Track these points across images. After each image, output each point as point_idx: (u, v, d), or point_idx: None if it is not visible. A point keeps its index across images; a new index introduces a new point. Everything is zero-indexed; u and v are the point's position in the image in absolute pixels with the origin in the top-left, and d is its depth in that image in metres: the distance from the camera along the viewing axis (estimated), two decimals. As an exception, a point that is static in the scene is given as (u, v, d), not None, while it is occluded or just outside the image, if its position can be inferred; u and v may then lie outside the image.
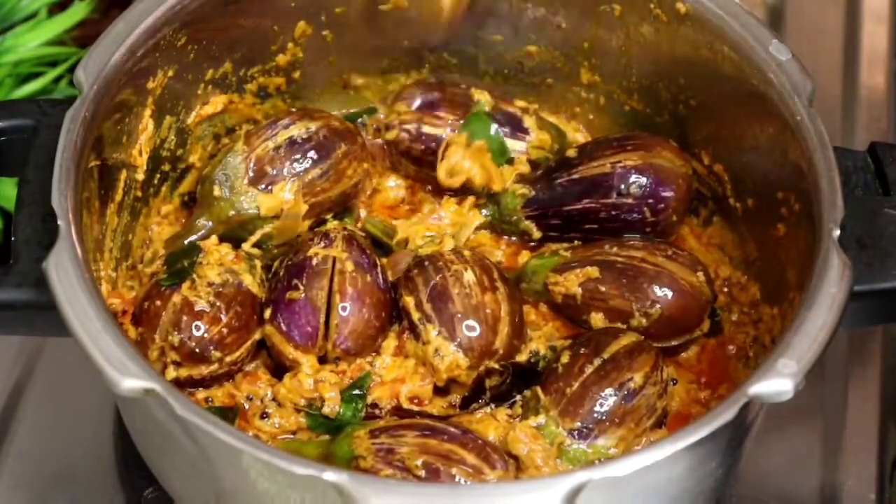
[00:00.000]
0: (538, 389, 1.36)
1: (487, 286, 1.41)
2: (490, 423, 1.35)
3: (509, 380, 1.39)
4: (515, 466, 1.32)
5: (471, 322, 1.39)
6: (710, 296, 1.44)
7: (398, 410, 1.38)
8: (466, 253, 1.45)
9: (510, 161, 1.55)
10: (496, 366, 1.39)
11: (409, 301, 1.41)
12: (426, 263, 1.43)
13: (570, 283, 1.44)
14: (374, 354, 1.42)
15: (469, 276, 1.41)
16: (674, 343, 1.43)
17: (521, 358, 1.42)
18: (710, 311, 1.45)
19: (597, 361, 1.36)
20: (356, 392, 1.38)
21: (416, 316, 1.41)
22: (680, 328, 1.43)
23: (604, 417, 1.33)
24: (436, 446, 1.28)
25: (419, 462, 1.26)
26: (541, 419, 1.34)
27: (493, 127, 1.54)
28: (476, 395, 1.39)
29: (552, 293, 1.46)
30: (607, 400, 1.34)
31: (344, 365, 1.41)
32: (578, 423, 1.33)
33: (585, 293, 1.44)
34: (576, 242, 1.51)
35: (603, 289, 1.44)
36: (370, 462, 1.28)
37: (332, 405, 1.37)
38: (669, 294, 1.42)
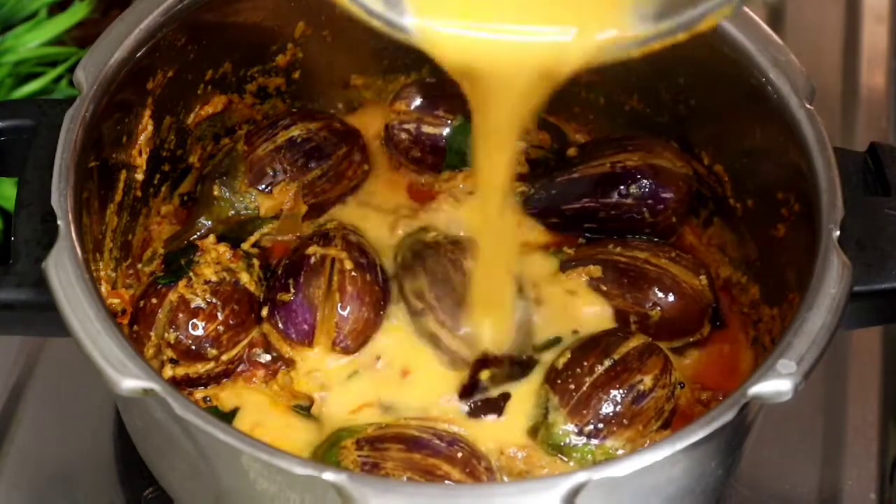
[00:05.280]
0: (547, 387, 1.36)
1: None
2: (491, 429, 1.36)
3: (504, 372, 1.39)
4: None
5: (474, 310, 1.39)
6: (711, 299, 1.44)
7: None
8: (466, 242, 1.45)
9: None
10: (490, 357, 1.39)
11: (411, 291, 1.42)
12: (426, 254, 1.43)
13: (573, 282, 1.44)
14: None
15: (469, 265, 1.41)
16: (674, 345, 1.43)
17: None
18: (711, 314, 1.45)
19: (607, 362, 1.36)
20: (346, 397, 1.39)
21: (418, 307, 1.41)
22: (679, 331, 1.43)
23: (613, 419, 1.33)
24: (420, 461, 1.28)
25: (404, 479, 1.26)
26: (550, 418, 1.34)
27: None
28: (472, 388, 1.39)
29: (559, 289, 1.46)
30: (617, 401, 1.34)
31: (340, 360, 1.41)
32: (587, 423, 1.33)
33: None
34: (580, 240, 1.51)
35: (604, 288, 1.44)
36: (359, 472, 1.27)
37: (320, 405, 1.38)
38: (670, 296, 1.42)
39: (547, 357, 1.41)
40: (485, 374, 1.39)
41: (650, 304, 1.42)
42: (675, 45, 1.48)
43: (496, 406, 1.38)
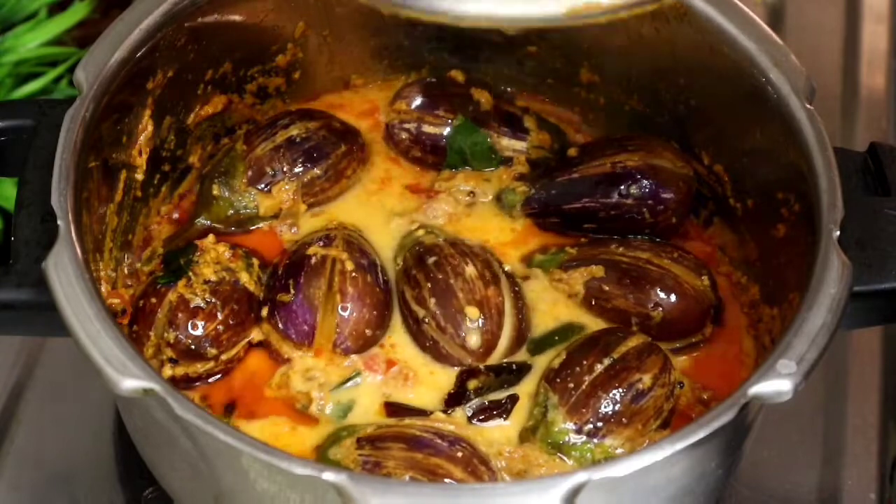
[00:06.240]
0: (546, 386, 1.36)
1: (490, 280, 1.41)
2: (490, 429, 1.36)
3: (491, 381, 1.39)
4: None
5: (475, 317, 1.39)
6: (713, 300, 1.44)
7: (390, 406, 1.38)
8: (465, 246, 1.45)
9: (509, 161, 1.55)
10: (481, 367, 1.39)
11: (412, 297, 1.42)
12: (426, 259, 1.43)
13: (575, 282, 1.45)
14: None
15: (471, 271, 1.41)
16: (675, 346, 1.43)
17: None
18: (713, 314, 1.45)
19: (606, 361, 1.36)
20: (346, 397, 1.38)
21: (420, 313, 1.41)
22: (681, 331, 1.43)
23: (612, 417, 1.33)
24: (422, 461, 1.28)
25: (406, 478, 1.26)
26: (549, 416, 1.34)
27: (482, 128, 1.55)
28: (460, 395, 1.39)
29: (556, 290, 1.46)
30: (616, 400, 1.34)
31: (340, 361, 1.41)
32: (586, 422, 1.33)
33: (589, 292, 1.44)
34: (582, 240, 1.51)
35: (606, 288, 1.44)
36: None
37: (318, 404, 1.37)
38: (672, 297, 1.42)
39: (542, 361, 1.41)
40: (472, 384, 1.39)
41: (652, 305, 1.42)
42: (675, 44, 1.49)
43: (503, 410, 1.38)
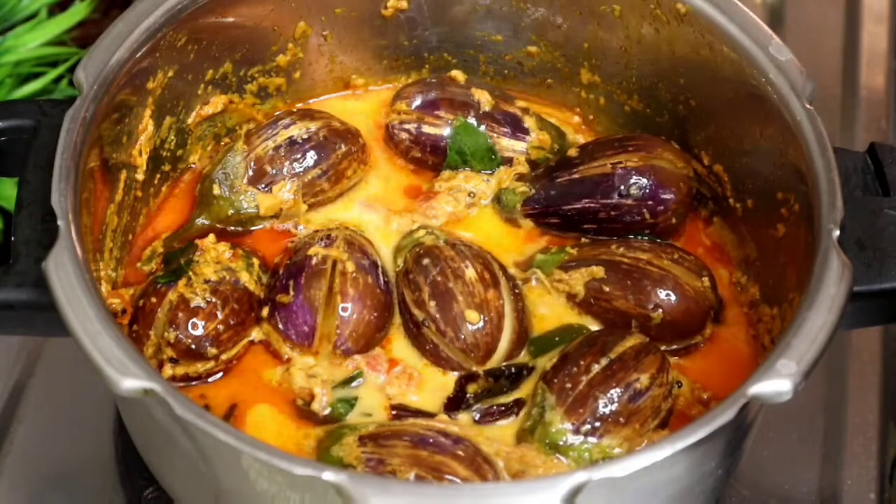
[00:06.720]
0: (544, 386, 1.36)
1: (489, 282, 1.41)
2: (488, 428, 1.36)
3: (490, 385, 1.39)
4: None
5: (475, 320, 1.39)
6: (713, 301, 1.44)
7: (396, 409, 1.38)
8: (465, 248, 1.45)
9: (509, 161, 1.55)
10: (480, 372, 1.39)
11: (412, 300, 1.42)
12: (426, 261, 1.43)
13: (575, 282, 1.45)
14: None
15: (470, 273, 1.41)
16: (675, 346, 1.43)
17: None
18: (713, 315, 1.45)
19: (603, 361, 1.36)
20: (349, 396, 1.38)
21: (420, 316, 1.41)
22: (682, 332, 1.43)
23: (609, 417, 1.33)
24: (426, 458, 1.27)
25: (410, 476, 1.26)
26: (546, 417, 1.34)
27: (482, 128, 1.54)
28: (460, 399, 1.39)
29: (556, 290, 1.46)
30: (613, 399, 1.34)
31: (341, 361, 1.41)
32: (584, 422, 1.33)
33: (589, 292, 1.44)
34: (583, 240, 1.51)
35: (607, 289, 1.44)
36: (360, 472, 1.27)
37: (321, 402, 1.37)
38: (673, 298, 1.42)
39: (543, 363, 1.41)
40: (471, 388, 1.39)
41: (652, 306, 1.42)
42: (675, 45, 1.49)
43: (509, 413, 1.38)
